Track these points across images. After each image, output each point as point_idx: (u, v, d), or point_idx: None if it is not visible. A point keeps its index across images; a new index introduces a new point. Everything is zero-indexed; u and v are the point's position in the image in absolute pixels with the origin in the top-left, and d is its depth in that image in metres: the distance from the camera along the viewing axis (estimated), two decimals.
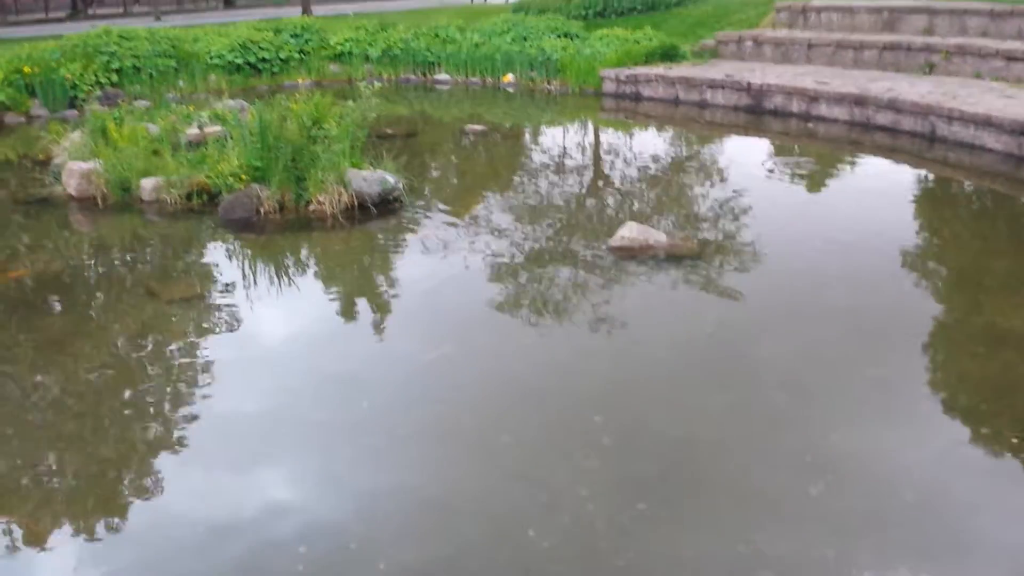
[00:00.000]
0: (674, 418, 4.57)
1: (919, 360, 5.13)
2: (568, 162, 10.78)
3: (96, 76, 15.11)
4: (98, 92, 14.56)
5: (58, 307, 6.38)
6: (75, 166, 8.63)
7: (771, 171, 9.86)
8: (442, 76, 17.53)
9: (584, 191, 9.34)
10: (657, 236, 6.91)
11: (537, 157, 11.27)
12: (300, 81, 16.71)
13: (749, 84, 12.98)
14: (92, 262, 7.38)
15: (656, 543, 3.62)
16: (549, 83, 16.13)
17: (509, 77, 16.70)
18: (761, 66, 14.46)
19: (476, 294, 6.29)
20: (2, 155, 11.83)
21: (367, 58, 17.87)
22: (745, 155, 10.87)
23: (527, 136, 12.88)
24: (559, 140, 12.41)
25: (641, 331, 5.64)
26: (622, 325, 5.68)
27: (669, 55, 15.55)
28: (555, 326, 5.75)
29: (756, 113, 12.78)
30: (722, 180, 9.32)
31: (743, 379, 4.94)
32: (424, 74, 17.74)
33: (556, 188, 9.40)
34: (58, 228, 8.31)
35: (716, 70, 14.26)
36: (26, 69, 14.51)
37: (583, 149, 11.76)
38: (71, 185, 8.63)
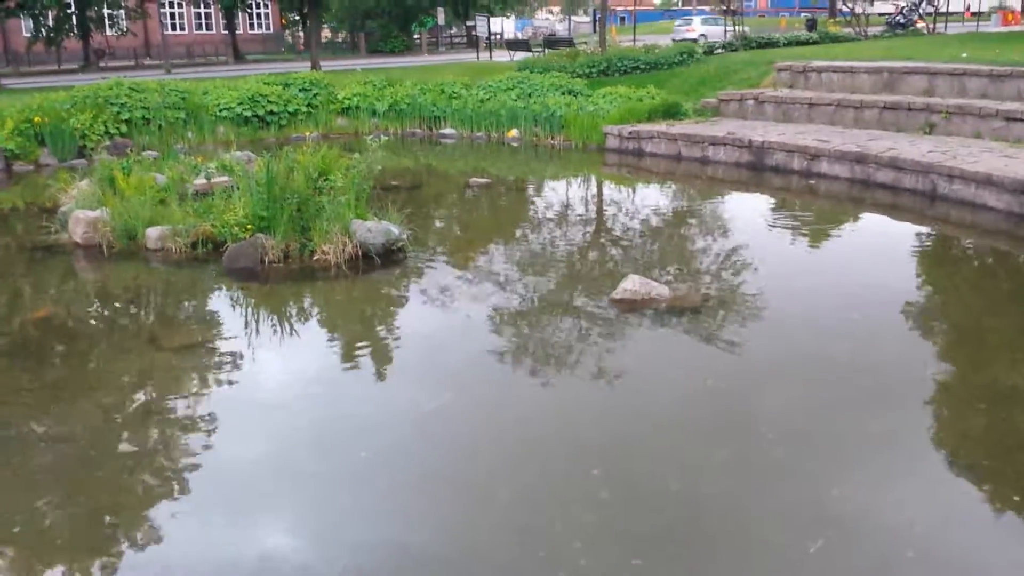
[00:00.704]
0: (673, 471, 4.54)
1: (921, 415, 5.11)
2: (570, 215, 10.86)
3: (106, 126, 15.33)
4: (107, 142, 14.75)
5: (60, 353, 6.38)
6: (81, 214, 8.71)
7: (772, 226, 9.92)
8: (447, 130, 17.77)
9: (586, 244, 9.39)
10: (659, 289, 6.93)
11: (540, 210, 11.36)
12: (308, 134, 16.92)
13: (751, 141, 13.13)
14: (95, 309, 7.40)
15: None
16: (553, 139, 16.34)
17: (513, 132, 16.92)
18: (763, 124, 14.65)
19: (477, 344, 6.29)
20: (10, 202, 11.94)
21: (374, 112, 18.15)
22: (746, 210, 10.96)
23: (530, 189, 13.00)
24: (562, 194, 12.52)
25: (641, 383, 5.63)
26: (623, 377, 5.67)
27: (671, 113, 15.77)
28: (556, 378, 5.74)
29: (757, 170, 12.91)
30: (724, 234, 9.38)
31: (743, 432, 4.91)
32: (430, 128, 18.01)
33: (558, 241, 9.46)
34: (63, 275, 8.36)
35: (718, 128, 14.44)
36: (36, 119, 14.72)
37: (586, 203, 11.86)
38: (77, 233, 8.69)
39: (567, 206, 11.49)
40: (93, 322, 7.13)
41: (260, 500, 4.34)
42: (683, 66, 19.58)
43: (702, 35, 37.14)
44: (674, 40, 30.38)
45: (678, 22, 44.72)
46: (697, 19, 43.89)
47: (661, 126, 14.84)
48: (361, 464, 4.69)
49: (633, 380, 5.65)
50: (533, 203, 12.01)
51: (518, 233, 9.95)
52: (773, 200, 11.51)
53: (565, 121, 16.15)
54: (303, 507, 4.29)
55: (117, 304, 7.52)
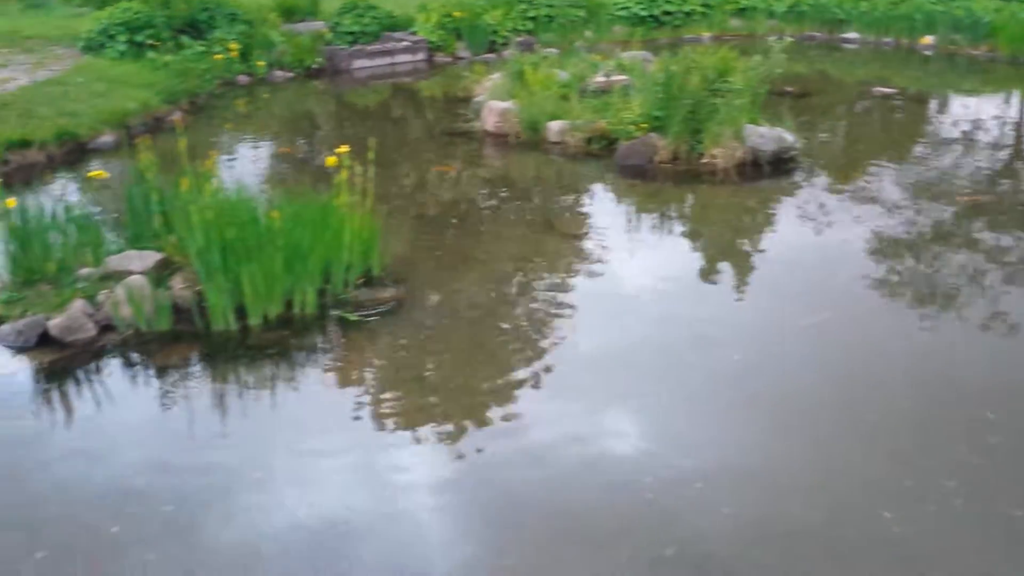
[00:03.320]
0: None
1: None
2: (985, 137, 9.74)
3: (514, 23, 16.34)
4: (516, 38, 15.75)
5: (464, 227, 7.10)
6: (494, 105, 9.51)
7: None
8: (851, 35, 16.60)
9: (1000, 171, 8.42)
10: None
11: (948, 128, 10.31)
12: (704, 35, 16.74)
13: None
14: (499, 192, 8.13)
15: None
16: (975, 48, 14.58)
17: (927, 39, 15.35)
18: None
19: (859, 268, 6.01)
20: (430, 91, 13.31)
21: (771, 13, 17.43)
22: None
23: (941, 104, 11.83)
24: (978, 111, 11.23)
25: None
26: None
27: None
28: (947, 314, 5.35)
29: None
30: None
31: None
32: (831, 32, 16.93)
33: (967, 166, 8.58)
34: (473, 159, 9.23)
35: None
36: (456, 14, 16.07)
37: (1007, 124, 10.54)
38: (489, 122, 9.52)
39: (982, 126, 10.30)
40: (496, 203, 7.84)
41: (619, 383, 4.58)
42: None
43: None
44: None
45: None
46: None
47: None
48: (731, 367, 4.76)
49: None
50: (941, 120, 10.93)
51: (919, 152, 9.19)
52: None
53: (993, 28, 14.30)
54: (661, 398, 4.45)
55: (518, 188, 8.20)
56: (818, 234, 6.74)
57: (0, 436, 4.19)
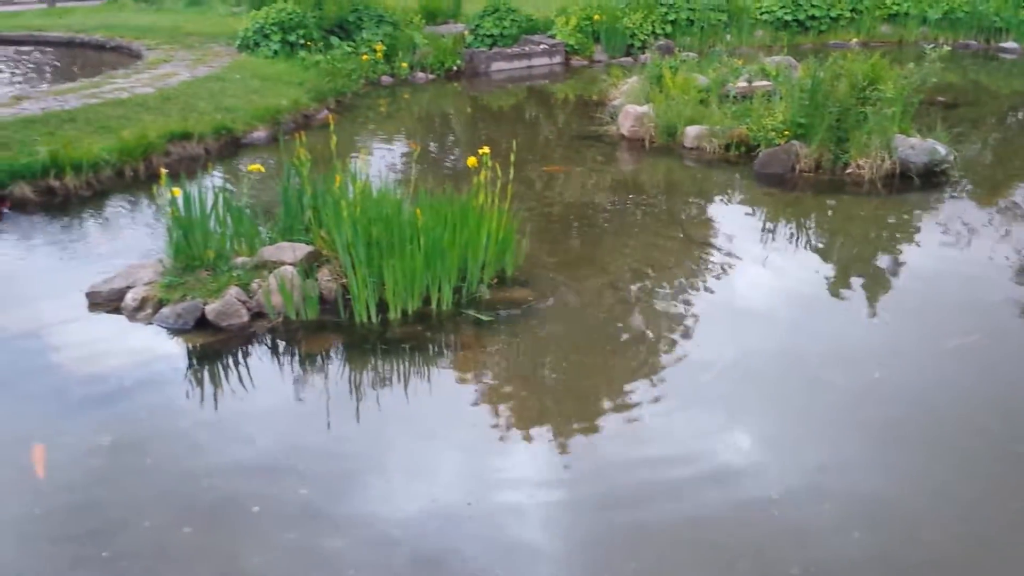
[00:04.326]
0: None
1: None
2: None
3: (653, 26, 16.23)
4: (654, 41, 15.64)
5: (591, 228, 7.08)
6: (631, 108, 9.48)
7: None
8: (1009, 44, 15.75)
9: None
10: None
11: None
12: (853, 40, 16.21)
13: None
14: (630, 195, 8.09)
15: None
16: None
17: None
18: None
19: (1009, 289, 5.73)
20: (563, 93, 13.37)
21: (924, 20, 16.70)
22: None
23: None
24: None
25: None
26: None
27: None
28: None
29: None
30: None
31: None
32: (987, 40, 16.10)
33: None
34: (606, 162, 9.23)
35: None
36: (596, 17, 16.09)
37: None
38: (625, 126, 9.49)
39: None
40: (628, 207, 7.81)
41: (746, 402, 4.47)
42: None
43: None
44: None
45: None
46: None
47: None
48: (871, 385, 4.59)
49: None
50: None
51: None
52: None
53: None
54: (788, 419, 4.34)
55: (651, 194, 8.14)
56: (967, 252, 6.44)
57: (154, 416, 4.44)
